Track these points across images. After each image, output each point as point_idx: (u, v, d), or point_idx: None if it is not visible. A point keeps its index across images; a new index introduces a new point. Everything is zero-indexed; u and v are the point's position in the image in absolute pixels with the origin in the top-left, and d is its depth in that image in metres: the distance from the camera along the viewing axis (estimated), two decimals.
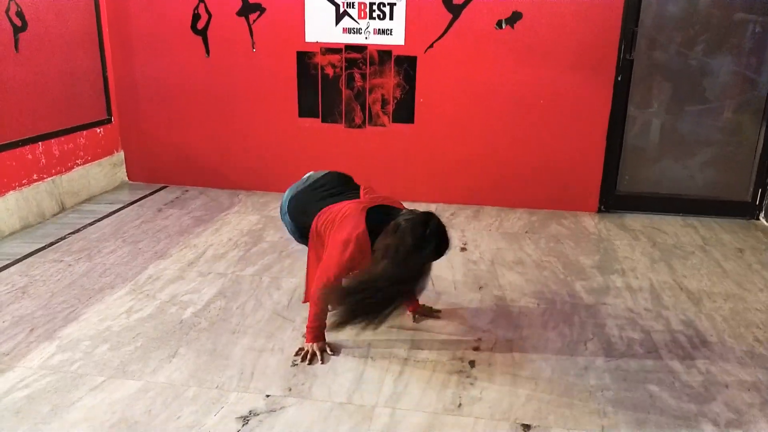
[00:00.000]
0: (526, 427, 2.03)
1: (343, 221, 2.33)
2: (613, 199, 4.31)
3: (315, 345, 2.40)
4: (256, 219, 4.05)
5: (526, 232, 3.90)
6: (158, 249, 3.49)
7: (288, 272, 3.21)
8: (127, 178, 4.86)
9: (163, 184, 4.79)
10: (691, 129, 4.17)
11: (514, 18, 4.07)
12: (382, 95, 4.35)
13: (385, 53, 4.26)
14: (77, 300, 2.85)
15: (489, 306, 2.87)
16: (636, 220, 4.17)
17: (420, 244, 2.15)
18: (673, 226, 4.06)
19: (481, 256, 3.47)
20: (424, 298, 2.76)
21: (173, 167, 4.76)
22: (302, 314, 2.71)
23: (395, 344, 2.51)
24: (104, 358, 2.38)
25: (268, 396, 2.17)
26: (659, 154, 4.26)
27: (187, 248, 3.52)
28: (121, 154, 4.79)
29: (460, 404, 2.14)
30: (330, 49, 4.31)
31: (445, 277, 3.16)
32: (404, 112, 4.36)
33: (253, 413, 2.07)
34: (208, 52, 4.46)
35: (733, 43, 3.97)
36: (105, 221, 3.95)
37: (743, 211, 4.22)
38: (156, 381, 2.24)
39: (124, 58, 4.56)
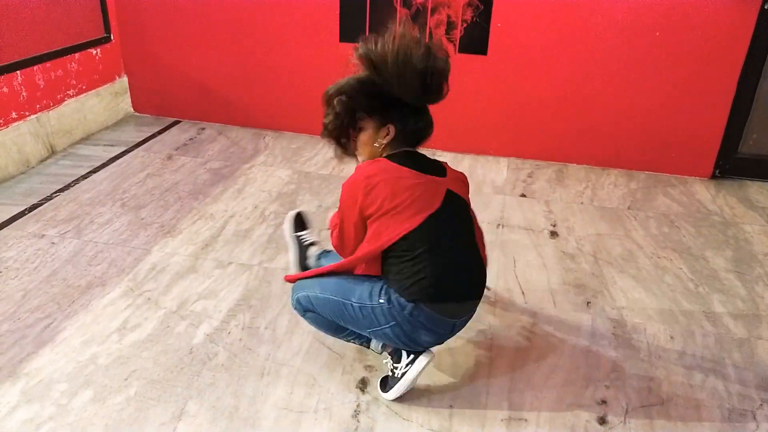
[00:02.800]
0: None
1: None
2: (733, 163, 3.42)
3: None
4: (287, 175, 3.27)
5: (629, 208, 3.07)
6: (165, 221, 2.75)
7: None
8: (132, 110, 4.05)
9: (175, 119, 3.99)
10: None
11: None
12: (448, 17, 3.40)
13: None
14: (57, 305, 2.16)
15: (605, 337, 2.12)
16: (763, 193, 3.30)
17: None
18: None
19: (579, 248, 2.68)
20: (513, 312, 2.02)
21: (187, 98, 3.93)
22: (357, 346, 1.99)
23: (487, 410, 1.79)
24: (85, 417, 1.70)
25: None
26: None
27: (201, 220, 2.78)
28: (125, 80, 3.95)
29: None
30: None
31: (538, 282, 2.39)
32: (476, 39, 3.41)
33: None
34: None
35: None
36: (102, 173, 3.20)
37: None
38: None
39: None
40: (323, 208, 2.94)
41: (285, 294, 2.27)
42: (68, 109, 3.47)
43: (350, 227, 1.69)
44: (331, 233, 1.79)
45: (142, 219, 2.76)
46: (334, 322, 1.78)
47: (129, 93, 3.99)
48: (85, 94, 3.61)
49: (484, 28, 3.38)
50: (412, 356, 1.73)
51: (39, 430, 1.65)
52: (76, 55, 3.51)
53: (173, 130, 3.84)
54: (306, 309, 1.81)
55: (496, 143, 3.60)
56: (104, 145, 3.56)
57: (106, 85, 3.78)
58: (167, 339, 2.02)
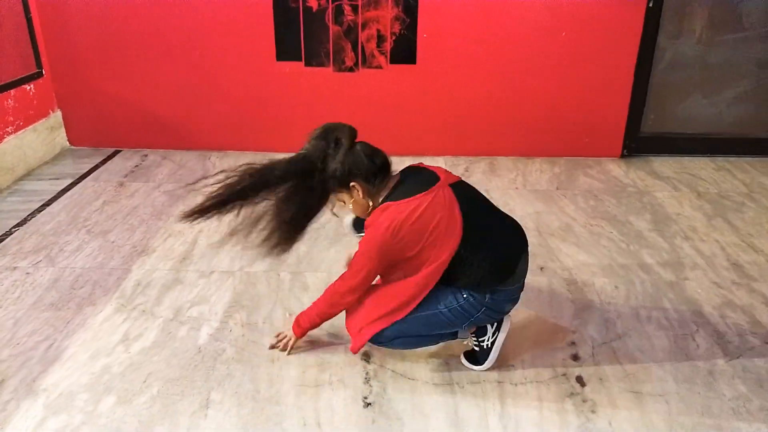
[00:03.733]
0: None
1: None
2: (638, 142, 3.92)
3: (299, 340, 2.06)
4: None
5: (557, 188, 3.46)
6: (135, 242, 2.83)
7: (308, 264, 2.65)
8: (68, 143, 4.03)
9: (114, 149, 4.01)
10: (723, 61, 3.76)
11: None
12: (378, 31, 3.68)
13: None
14: (52, 328, 2.20)
15: (562, 294, 2.44)
16: (665, 165, 3.80)
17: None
18: (706, 170, 3.72)
19: (524, 225, 2.99)
20: None
21: (126, 127, 3.97)
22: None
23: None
24: (115, 418, 1.79)
25: None
26: (687, 90, 3.85)
27: (171, 237, 2.87)
28: (58, 114, 3.94)
29: None
30: None
31: None
32: (404, 50, 3.72)
33: None
34: None
35: None
36: (56, 204, 3.20)
37: None
38: None
39: None
40: None
41: (273, 292, 2.43)
42: (8, 146, 3.44)
43: (372, 277, 1.85)
44: (352, 276, 1.86)
45: (112, 242, 2.82)
46: (423, 336, 1.94)
47: (64, 127, 3.98)
48: (23, 130, 3.58)
49: (412, 40, 3.69)
50: (495, 324, 1.95)
51: None
52: (12, 91, 3.49)
53: (116, 159, 3.87)
54: (393, 338, 1.92)
55: (433, 143, 3.91)
56: (49, 179, 3.54)
57: (41, 120, 3.76)
58: (173, 343, 2.13)
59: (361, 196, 1.85)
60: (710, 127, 3.91)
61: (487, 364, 1.98)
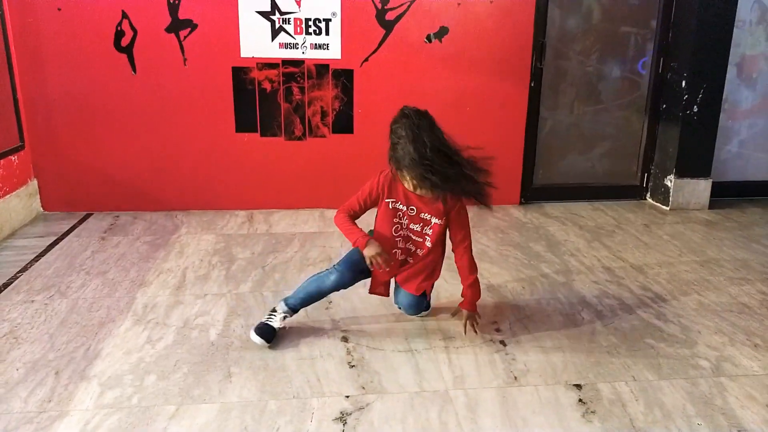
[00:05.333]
0: (578, 386, 2.38)
1: None
2: (531, 192, 4.88)
3: (373, 249, 2.54)
4: (213, 238, 4.01)
5: (473, 227, 4.28)
6: (132, 278, 3.35)
7: (285, 284, 3.28)
8: (42, 209, 4.48)
9: (86, 212, 4.50)
10: (590, 126, 4.86)
11: (442, 32, 4.45)
12: (321, 107, 4.51)
13: (322, 67, 4.42)
14: (84, 337, 2.70)
15: (484, 293, 3.20)
16: (554, 209, 4.77)
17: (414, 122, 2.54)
18: (585, 211, 4.72)
19: (450, 252, 3.79)
20: (434, 297, 3.03)
21: (97, 192, 4.49)
22: (330, 318, 2.84)
23: (430, 338, 2.74)
24: (160, 388, 2.33)
25: (348, 396, 2.29)
26: (566, 149, 4.90)
27: (162, 273, 3.42)
28: (35, 182, 4.41)
29: (515, 377, 2.44)
30: (267, 64, 4.38)
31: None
32: (344, 122, 4.55)
33: (345, 413, 2.19)
34: (134, 69, 4.29)
35: (620, 52, 4.72)
36: (49, 255, 3.66)
37: (634, 193, 5.02)
38: (230, 401, 2.26)
39: (36, 77, 4.23)
40: (256, 255, 3.72)
41: (262, 305, 3.03)
42: None
43: None
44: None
45: (112, 279, 3.33)
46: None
47: (39, 194, 4.44)
48: (8, 195, 4.04)
49: (349, 114, 4.53)
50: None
51: (132, 399, 2.25)
52: (1, 161, 3.97)
53: (90, 220, 4.36)
54: None
55: None
56: (35, 237, 3.98)
57: (22, 187, 4.23)
58: (189, 342, 2.68)
59: None
60: (586, 178, 4.96)
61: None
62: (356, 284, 2.74)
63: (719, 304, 3.13)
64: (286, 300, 2.71)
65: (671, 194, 4.76)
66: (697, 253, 3.84)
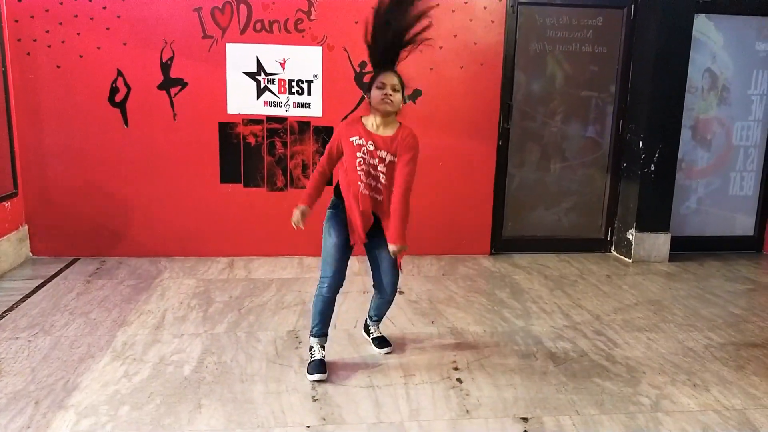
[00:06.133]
0: (524, 419, 2.56)
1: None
2: (501, 243, 5.13)
3: (295, 216, 2.97)
4: (194, 282, 4.20)
5: (443, 275, 4.52)
6: (114, 318, 3.53)
7: (259, 326, 3.46)
8: (30, 254, 4.67)
9: (73, 257, 4.69)
10: (556, 182, 5.16)
11: (416, 95, 4.79)
12: (303, 160, 4.79)
13: (304, 123, 4.73)
14: (64, 371, 2.86)
15: (447, 335, 3.40)
16: (522, 259, 5.01)
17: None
18: (552, 261, 4.96)
19: (419, 297, 4.01)
20: (389, 333, 3.22)
21: (85, 238, 4.69)
22: (298, 357, 3.02)
23: (390, 375, 2.92)
24: (133, 417, 2.48)
25: (309, 426, 2.46)
26: (534, 204, 5.18)
27: (143, 314, 3.59)
28: (26, 227, 4.62)
29: (467, 410, 2.61)
30: (252, 120, 4.68)
31: (399, 317, 3.63)
32: None
33: None
34: (126, 123, 4.58)
35: (582, 114, 5.07)
36: (35, 297, 3.84)
37: (599, 246, 5.27)
38: (198, 429, 2.41)
39: (33, 128, 4.50)
40: (233, 298, 3.91)
41: (234, 344, 3.21)
42: None
43: None
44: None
45: (94, 319, 3.50)
46: None
47: (29, 239, 4.64)
48: (1, 239, 4.23)
49: None
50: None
51: (106, 428, 2.41)
52: None
53: (77, 264, 4.55)
54: None
55: None
56: (22, 280, 4.16)
57: (13, 232, 4.43)
58: (164, 376, 2.85)
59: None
60: (554, 231, 5.22)
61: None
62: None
63: (666, 348, 3.34)
64: (311, 333, 2.94)
65: (633, 247, 5.02)
66: (653, 303, 4.07)
